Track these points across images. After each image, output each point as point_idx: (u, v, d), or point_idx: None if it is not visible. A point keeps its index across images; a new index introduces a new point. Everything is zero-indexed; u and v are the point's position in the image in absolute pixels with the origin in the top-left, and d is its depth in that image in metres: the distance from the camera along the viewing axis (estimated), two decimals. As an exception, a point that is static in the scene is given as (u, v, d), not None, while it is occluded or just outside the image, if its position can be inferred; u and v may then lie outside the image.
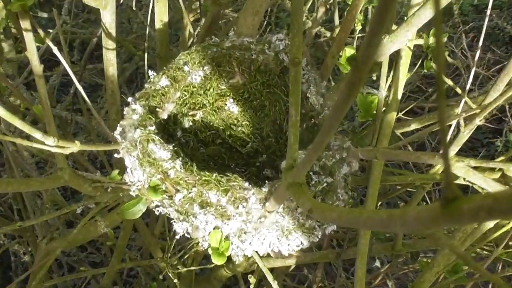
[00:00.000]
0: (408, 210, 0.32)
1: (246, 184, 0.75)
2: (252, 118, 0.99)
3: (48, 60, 1.95)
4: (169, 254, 1.14)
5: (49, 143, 0.61)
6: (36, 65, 0.71)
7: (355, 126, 1.66)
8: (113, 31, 0.91)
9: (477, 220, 0.25)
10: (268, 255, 1.21)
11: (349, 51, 1.04)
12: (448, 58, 1.39)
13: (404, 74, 0.85)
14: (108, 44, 0.92)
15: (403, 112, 1.31)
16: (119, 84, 1.81)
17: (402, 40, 0.68)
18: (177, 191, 0.73)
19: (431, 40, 1.01)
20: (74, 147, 0.65)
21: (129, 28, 2.13)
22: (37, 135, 0.59)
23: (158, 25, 1.03)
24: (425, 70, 0.94)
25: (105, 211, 1.04)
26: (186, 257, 1.28)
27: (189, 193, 0.73)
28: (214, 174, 0.75)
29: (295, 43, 0.51)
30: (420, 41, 0.78)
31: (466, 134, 0.60)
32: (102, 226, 0.96)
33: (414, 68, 1.01)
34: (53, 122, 0.76)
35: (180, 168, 0.74)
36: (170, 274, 1.13)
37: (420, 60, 0.96)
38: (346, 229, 1.33)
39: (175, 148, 0.78)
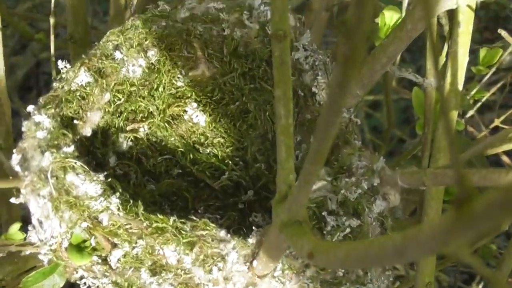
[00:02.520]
0: (423, 225, 0.42)
1: (222, 233, 0.83)
2: (229, 133, 1.07)
3: None
4: None
5: None
6: None
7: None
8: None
9: (491, 218, 0.36)
10: None
11: (390, 17, 1.13)
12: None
13: (465, 50, 0.93)
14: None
15: (502, 118, 1.38)
16: (7, 91, 1.84)
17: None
18: (114, 246, 0.81)
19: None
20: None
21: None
22: None
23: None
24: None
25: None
26: None
27: (133, 248, 0.81)
28: (172, 219, 0.83)
29: (277, 7, 0.57)
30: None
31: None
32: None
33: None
34: None
35: (118, 209, 0.82)
36: None
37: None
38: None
39: (109, 179, 0.86)
